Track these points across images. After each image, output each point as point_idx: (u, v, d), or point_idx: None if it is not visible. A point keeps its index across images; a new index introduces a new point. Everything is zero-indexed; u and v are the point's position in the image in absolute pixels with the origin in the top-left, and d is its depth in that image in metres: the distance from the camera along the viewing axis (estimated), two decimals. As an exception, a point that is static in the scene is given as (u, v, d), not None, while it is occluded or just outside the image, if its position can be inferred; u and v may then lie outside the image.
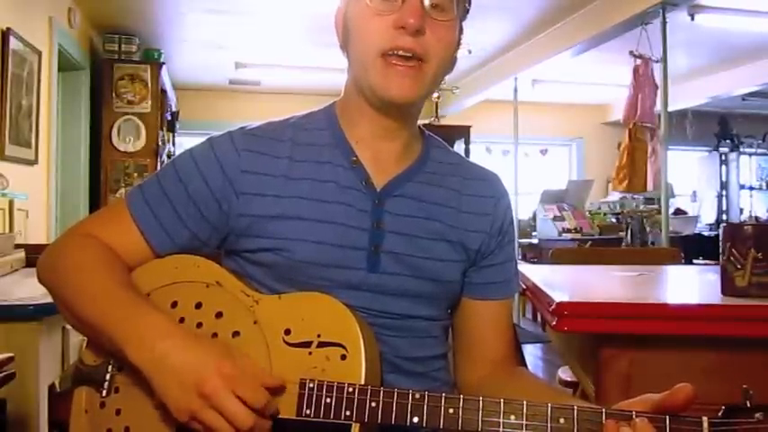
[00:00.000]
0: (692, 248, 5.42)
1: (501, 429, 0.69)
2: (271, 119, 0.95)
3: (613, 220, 6.27)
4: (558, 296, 1.16)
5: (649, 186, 4.24)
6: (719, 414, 0.64)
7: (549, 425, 0.68)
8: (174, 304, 0.84)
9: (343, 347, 0.76)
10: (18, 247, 2.01)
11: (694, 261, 4.98)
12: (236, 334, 0.80)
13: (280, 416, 0.74)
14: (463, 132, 5.54)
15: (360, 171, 0.90)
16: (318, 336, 0.77)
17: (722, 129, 8.11)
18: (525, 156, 7.79)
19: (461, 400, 0.71)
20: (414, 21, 0.81)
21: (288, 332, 0.78)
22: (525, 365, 1.09)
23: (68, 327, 1.54)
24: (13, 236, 2.26)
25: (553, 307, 1.11)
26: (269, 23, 4.83)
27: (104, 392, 0.82)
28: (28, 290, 1.51)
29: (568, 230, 5.81)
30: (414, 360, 0.90)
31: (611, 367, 1.09)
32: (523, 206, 6.67)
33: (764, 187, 8.51)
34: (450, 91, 4.63)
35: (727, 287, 1.17)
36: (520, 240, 6.23)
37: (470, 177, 0.98)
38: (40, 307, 1.34)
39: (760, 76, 6.04)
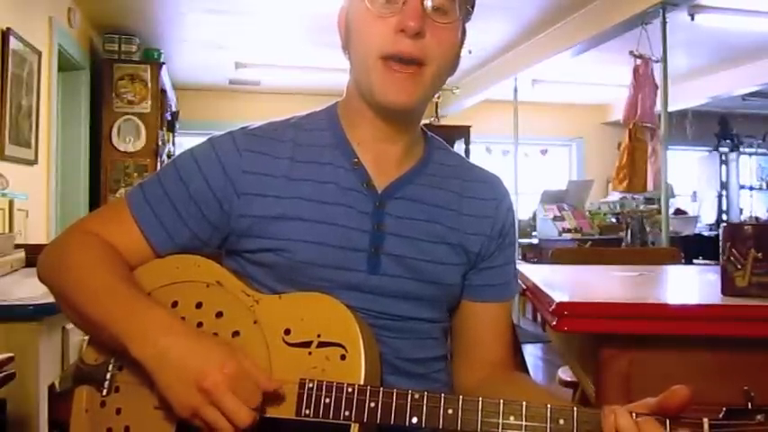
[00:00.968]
0: (692, 248, 5.42)
1: (500, 430, 0.69)
2: (271, 119, 0.95)
3: (613, 220, 6.27)
4: (558, 296, 1.16)
5: (649, 186, 4.24)
6: (720, 416, 0.64)
7: (548, 425, 0.68)
8: (175, 304, 0.84)
9: (343, 348, 0.76)
10: (18, 247, 2.01)
11: (694, 261, 4.98)
12: (236, 334, 0.80)
13: (279, 416, 0.74)
14: (463, 132, 5.53)
15: (361, 173, 0.90)
16: (318, 336, 0.77)
17: (722, 129, 8.10)
18: (525, 156, 7.78)
19: (460, 401, 0.71)
20: (414, 23, 0.81)
21: (288, 332, 0.78)
22: (525, 366, 1.10)
23: (68, 327, 1.54)
24: (13, 236, 2.26)
25: (553, 307, 1.11)
26: (269, 23, 4.83)
27: (105, 392, 0.82)
28: (28, 290, 1.51)
29: (568, 230, 5.81)
30: (414, 361, 0.90)
31: (611, 367, 1.09)
32: (523, 206, 6.67)
33: (764, 187, 8.50)
34: (451, 91, 4.64)
35: (727, 287, 1.17)
36: (520, 240, 6.24)
37: (471, 179, 0.98)
38: (39, 307, 1.34)
39: (760, 76, 6.04)
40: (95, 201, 4.60)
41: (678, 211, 7.14)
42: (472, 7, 0.90)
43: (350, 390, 0.73)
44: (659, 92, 4.06)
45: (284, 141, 0.90)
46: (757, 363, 1.07)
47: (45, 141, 3.65)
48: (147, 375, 0.75)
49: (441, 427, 0.71)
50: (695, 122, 7.23)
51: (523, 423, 0.69)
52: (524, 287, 1.46)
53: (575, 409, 0.68)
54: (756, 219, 7.67)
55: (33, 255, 1.90)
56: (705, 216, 7.87)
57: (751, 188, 8.38)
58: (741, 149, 8.27)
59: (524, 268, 1.73)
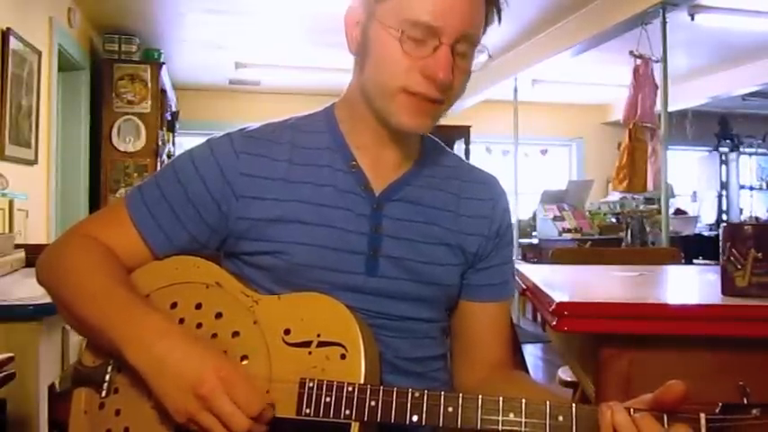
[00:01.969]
0: (692, 248, 5.42)
1: (500, 427, 0.69)
2: (270, 120, 0.94)
3: (613, 220, 6.27)
4: (558, 296, 1.16)
5: (649, 186, 4.24)
6: (717, 410, 0.64)
7: (547, 422, 0.68)
8: (174, 305, 0.84)
9: (343, 347, 0.76)
10: (18, 247, 2.01)
11: (694, 261, 4.98)
12: (235, 334, 0.80)
13: (280, 415, 0.74)
14: (463, 132, 5.54)
15: (358, 175, 0.90)
16: (318, 335, 0.77)
17: (722, 129, 8.11)
18: (525, 156, 7.79)
19: (460, 399, 0.71)
20: (444, 77, 0.81)
21: (287, 332, 0.78)
22: (525, 366, 1.10)
23: (68, 327, 1.54)
24: (13, 236, 2.26)
25: (553, 307, 1.11)
26: (269, 23, 4.83)
27: (104, 393, 0.82)
28: (28, 290, 1.51)
29: (568, 230, 5.80)
30: (413, 360, 0.90)
31: (611, 367, 1.09)
32: (523, 206, 6.67)
33: (764, 187, 8.50)
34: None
35: (727, 287, 1.17)
36: (520, 240, 6.23)
37: (468, 180, 0.98)
38: (39, 307, 1.33)
39: (760, 76, 6.04)
40: (95, 201, 4.60)
41: (678, 211, 7.14)
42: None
43: (350, 389, 0.73)
44: (659, 92, 4.06)
45: (282, 143, 0.90)
46: (757, 363, 1.07)
47: (45, 141, 3.65)
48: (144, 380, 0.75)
49: (441, 425, 0.71)
50: (695, 122, 7.23)
51: (523, 420, 0.69)
52: (524, 287, 1.46)
53: (573, 405, 0.68)
54: (756, 219, 7.67)
55: (33, 255, 1.90)
56: (705, 216, 7.87)
57: (751, 188, 8.38)
58: (741, 149, 8.28)
59: (524, 268, 1.73)
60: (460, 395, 0.72)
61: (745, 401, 0.64)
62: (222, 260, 0.93)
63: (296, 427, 0.74)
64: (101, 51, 4.88)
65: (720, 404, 0.64)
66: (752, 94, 6.61)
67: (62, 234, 0.91)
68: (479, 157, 7.40)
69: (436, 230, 0.92)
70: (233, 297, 0.83)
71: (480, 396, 0.71)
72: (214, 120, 6.45)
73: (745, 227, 1.18)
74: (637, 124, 4.23)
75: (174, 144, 5.67)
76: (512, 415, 0.69)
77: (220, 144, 0.89)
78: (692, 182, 8.50)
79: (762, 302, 1.10)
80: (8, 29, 3.00)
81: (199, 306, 0.83)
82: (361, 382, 0.74)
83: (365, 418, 0.72)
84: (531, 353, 4.70)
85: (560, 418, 0.68)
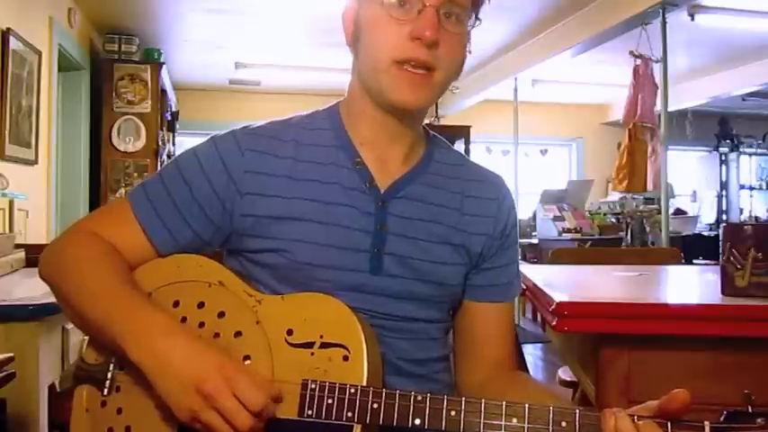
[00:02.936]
0: (692, 248, 5.41)
1: (503, 432, 0.69)
2: (272, 118, 0.94)
3: (613, 220, 6.26)
4: (558, 296, 1.16)
5: (649, 186, 4.24)
6: (721, 419, 0.64)
7: (550, 428, 0.68)
8: (177, 304, 0.84)
9: (346, 348, 0.76)
10: (18, 247, 2.01)
11: (694, 261, 4.98)
12: (238, 334, 0.80)
13: (282, 416, 0.74)
14: (463, 132, 5.54)
15: (363, 172, 0.90)
16: (321, 336, 0.77)
17: (722, 129, 8.11)
18: (525, 156, 7.79)
19: (463, 403, 0.71)
20: (430, 34, 0.81)
21: (290, 332, 0.78)
22: (525, 366, 1.10)
23: (68, 327, 1.54)
24: (13, 236, 2.26)
25: (553, 307, 1.11)
26: (269, 23, 4.83)
27: (106, 391, 0.82)
28: (28, 290, 1.51)
29: (568, 230, 5.80)
30: (415, 362, 0.90)
31: (611, 367, 1.09)
32: (523, 206, 6.67)
33: (764, 187, 8.51)
34: (451, 91, 4.63)
35: (727, 287, 1.17)
36: (520, 240, 6.21)
37: (473, 179, 0.98)
38: (39, 307, 1.33)
39: (760, 76, 6.04)
40: (95, 201, 4.60)
41: (678, 211, 7.13)
42: (479, 21, 0.90)
43: (352, 391, 0.73)
44: (659, 92, 4.06)
45: (286, 141, 0.90)
46: (757, 363, 1.07)
47: (45, 141, 3.65)
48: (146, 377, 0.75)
49: (443, 428, 0.71)
50: (695, 122, 7.23)
51: (526, 425, 0.69)
52: (524, 287, 1.46)
53: (577, 411, 0.68)
54: (756, 219, 7.67)
55: (33, 255, 1.90)
56: (705, 216, 7.87)
57: (751, 188, 8.38)
58: (741, 149, 8.28)
59: (524, 268, 1.72)
60: (463, 399, 0.71)
61: (750, 409, 0.63)
62: (225, 258, 0.93)
63: (297, 429, 0.74)
64: (101, 51, 4.88)
65: (725, 412, 0.64)
66: (752, 94, 6.61)
67: (65, 230, 0.91)
68: (479, 157, 7.38)
69: (440, 229, 0.91)
70: (236, 296, 0.82)
71: (483, 400, 0.71)
72: (214, 120, 6.45)
73: (745, 227, 1.18)
74: (637, 124, 4.23)
75: (174, 144, 5.67)
76: (515, 420, 0.69)
77: (225, 141, 0.89)
78: (691, 182, 8.50)
79: (762, 302, 1.10)
80: (8, 29, 3.00)
81: (201, 305, 0.83)
82: (364, 383, 0.74)
83: (367, 421, 0.72)
84: (531, 353, 4.70)
85: (563, 424, 0.68)
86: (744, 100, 6.96)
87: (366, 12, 0.86)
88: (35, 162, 3.46)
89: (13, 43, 3.06)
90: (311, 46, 5.38)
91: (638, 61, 4.21)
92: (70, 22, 4.13)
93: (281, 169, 0.88)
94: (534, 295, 1.37)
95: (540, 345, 4.86)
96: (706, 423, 0.64)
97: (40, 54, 3.45)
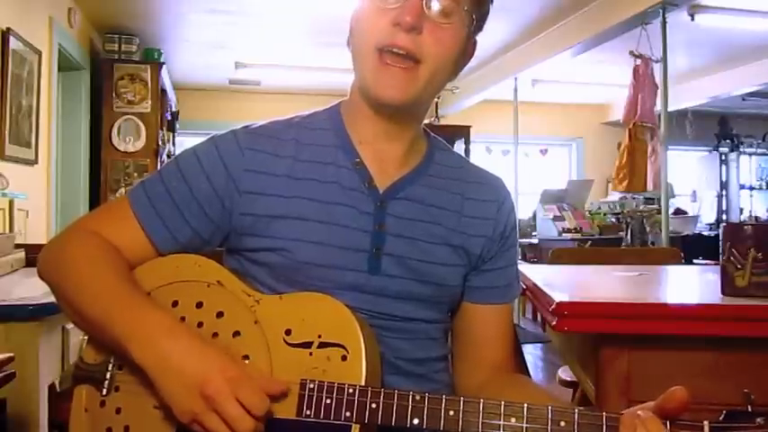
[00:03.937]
0: (692, 248, 5.41)
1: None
2: (273, 118, 0.94)
3: (613, 220, 6.26)
4: (558, 296, 1.16)
5: (649, 186, 4.24)
6: (720, 418, 0.64)
7: (549, 427, 0.68)
8: (175, 303, 0.84)
9: (344, 348, 0.75)
10: (18, 246, 2.01)
11: (694, 261, 4.98)
12: (236, 334, 0.80)
13: (280, 416, 0.74)
14: (463, 132, 5.53)
15: (363, 172, 0.90)
16: (319, 336, 0.77)
17: (722, 129, 8.11)
18: (525, 156, 7.79)
19: (462, 402, 0.71)
20: (410, 18, 0.81)
21: (288, 332, 0.78)
22: (525, 366, 1.09)
23: (68, 327, 1.54)
24: (13, 236, 2.26)
25: (553, 307, 1.11)
26: (269, 23, 4.83)
27: (105, 391, 0.82)
28: (28, 290, 1.51)
29: (568, 230, 5.80)
30: (414, 362, 0.90)
31: (611, 367, 1.09)
32: (523, 206, 6.67)
33: (764, 187, 8.51)
34: (451, 91, 4.64)
35: (727, 287, 1.17)
36: (520, 240, 6.23)
37: (473, 181, 0.98)
38: (39, 307, 1.33)
39: (760, 76, 6.04)
40: (95, 201, 4.60)
41: (678, 211, 7.13)
42: (481, 20, 0.90)
43: (351, 391, 0.73)
44: (659, 92, 4.06)
45: (287, 140, 0.90)
46: (757, 363, 1.07)
47: (45, 141, 3.65)
48: (147, 377, 0.74)
49: (442, 428, 0.71)
50: (695, 122, 7.23)
51: (524, 425, 0.69)
52: (524, 287, 1.46)
53: (576, 410, 0.68)
54: (756, 219, 7.67)
55: (33, 255, 1.90)
56: (705, 216, 7.87)
57: (751, 188, 8.38)
58: (741, 149, 8.29)
59: (524, 268, 1.72)
60: (462, 399, 0.71)
61: (750, 409, 0.63)
62: (224, 257, 0.93)
63: (296, 429, 0.74)
64: (101, 51, 4.88)
65: (724, 412, 0.64)
66: (752, 94, 6.61)
67: (64, 229, 0.91)
68: (479, 157, 7.40)
69: (439, 230, 0.91)
70: (234, 296, 0.82)
71: (482, 400, 0.71)
72: (214, 120, 6.45)
73: (745, 227, 1.18)
74: (637, 124, 4.23)
75: (174, 144, 5.67)
76: (513, 420, 0.69)
77: (225, 140, 0.89)
78: (691, 182, 8.50)
79: (762, 302, 1.10)
80: (8, 29, 3.01)
81: (200, 305, 0.83)
82: (362, 383, 0.74)
83: (366, 421, 0.72)
84: (531, 353, 4.70)
85: (562, 423, 0.68)
86: (744, 100, 6.96)
87: (359, 6, 0.88)
88: (35, 162, 3.46)
89: (13, 43, 3.06)
90: (311, 46, 5.38)
91: (638, 61, 4.21)
92: (70, 22, 4.13)
93: (281, 168, 0.88)
94: (534, 295, 1.37)
95: (540, 345, 4.86)
96: (705, 422, 0.64)
97: (40, 54, 3.45)
